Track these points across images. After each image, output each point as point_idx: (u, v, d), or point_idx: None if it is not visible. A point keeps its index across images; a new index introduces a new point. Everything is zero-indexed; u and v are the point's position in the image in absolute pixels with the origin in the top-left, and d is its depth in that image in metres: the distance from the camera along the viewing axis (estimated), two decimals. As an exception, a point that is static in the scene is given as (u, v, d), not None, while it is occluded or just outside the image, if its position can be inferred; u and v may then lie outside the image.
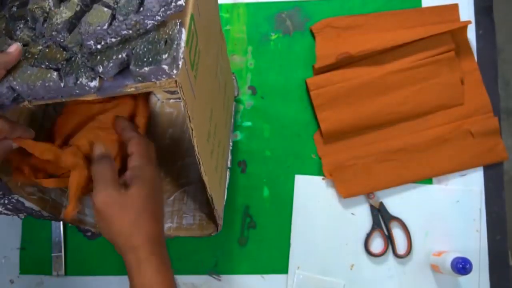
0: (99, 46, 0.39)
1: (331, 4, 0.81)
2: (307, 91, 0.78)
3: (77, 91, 0.39)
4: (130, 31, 0.38)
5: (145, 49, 0.37)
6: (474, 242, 0.74)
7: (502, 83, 1.51)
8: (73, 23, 0.41)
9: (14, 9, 0.45)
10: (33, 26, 0.43)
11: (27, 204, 0.58)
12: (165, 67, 0.35)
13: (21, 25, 0.44)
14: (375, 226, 0.74)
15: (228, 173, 0.70)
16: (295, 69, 0.79)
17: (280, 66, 0.79)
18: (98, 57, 0.38)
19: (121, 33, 0.38)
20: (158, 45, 0.37)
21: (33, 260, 0.76)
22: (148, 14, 0.37)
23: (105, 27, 0.38)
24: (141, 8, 0.38)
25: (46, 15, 0.42)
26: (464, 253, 0.69)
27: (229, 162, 0.70)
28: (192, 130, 0.41)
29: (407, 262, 0.74)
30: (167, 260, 0.49)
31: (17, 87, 0.39)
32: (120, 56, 0.37)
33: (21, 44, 0.42)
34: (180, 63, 0.36)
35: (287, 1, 0.81)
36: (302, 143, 0.77)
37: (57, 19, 0.41)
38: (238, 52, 0.80)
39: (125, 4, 0.38)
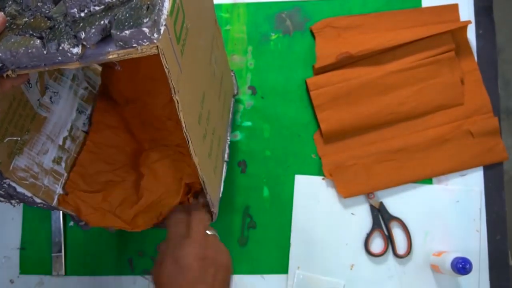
0: (82, 14, 0.39)
1: (331, 4, 0.81)
2: (307, 91, 0.78)
3: (60, 58, 0.39)
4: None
5: (127, 14, 0.38)
6: (474, 242, 0.74)
7: (502, 83, 1.51)
8: None
9: None
10: (20, 1, 0.44)
11: (19, 189, 0.58)
12: (146, 29, 0.36)
13: (10, 2, 0.44)
14: (375, 226, 0.74)
15: (225, 166, 0.70)
16: (295, 69, 0.79)
17: (280, 66, 0.79)
18: (81, 24, 0.39)
19: (104, 0, 0.39)
20: (140, 11, 0.37)
21: (33, 260, 0.76)
22: None
23: None
24: None
25: None
26: (464, 253, 0.69)
27: (226, 156, 0.70)
28: (177, 103, 0.42)
29: (407, 262, 0.74)
30: None
31: (0, 54, 0.40)
32: (102, 22, 0.38)
33: (9, 18, 0.42)
34: (162, 28, 0.36)
35: (287, 1, 0.81)
36: (302, 143, 0.77)
37: None
38: (238, 52, 0.80)
39: None
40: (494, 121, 0.75)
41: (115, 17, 0.38)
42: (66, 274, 0.75)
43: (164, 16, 0.37)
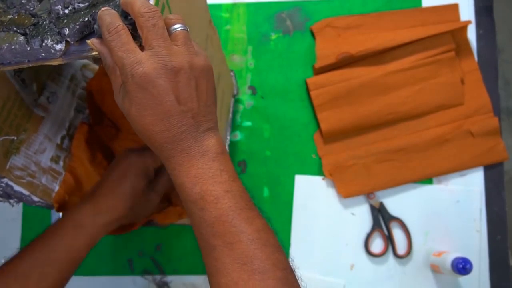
0: (66, 11, 0.40)
1: (331, 4, 0.81)
2: (307, 91, 0.78)
3: (43, 54, 0.39)
4: None
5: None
6: (474, 242, 0.73)
7: (502, 83, 1.51)
8: None
9: None
10: None
11: (16, 188, 0.58)
12: (129, 26, 0.36)
13: None
14: (375, 226, 0.74)
15: None
16: (295, 69, 0.79)
17: (280, 66, 0.79)
18: (65, 21, 0.39)
19: None
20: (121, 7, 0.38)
21: (33, 260, 0.76)
22: None
23: None
24: None
25: None
26: (464, 253, 0.68)
27: None
28: None
29: (407, 262, 0.74)
30: None
31: None
32: (86, 19, 0.38)
33: None
34: None
35: (287, 1, 0.81)
36: (302, 143, 0.77)
37: None
38: (238, 52, 0.80)
39: None
40: (494, 121, 0.75)
41: (97, 13, 0.38)
42: (66, 274, 0.75)
43: None
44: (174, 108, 0.36)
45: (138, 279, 0.75)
